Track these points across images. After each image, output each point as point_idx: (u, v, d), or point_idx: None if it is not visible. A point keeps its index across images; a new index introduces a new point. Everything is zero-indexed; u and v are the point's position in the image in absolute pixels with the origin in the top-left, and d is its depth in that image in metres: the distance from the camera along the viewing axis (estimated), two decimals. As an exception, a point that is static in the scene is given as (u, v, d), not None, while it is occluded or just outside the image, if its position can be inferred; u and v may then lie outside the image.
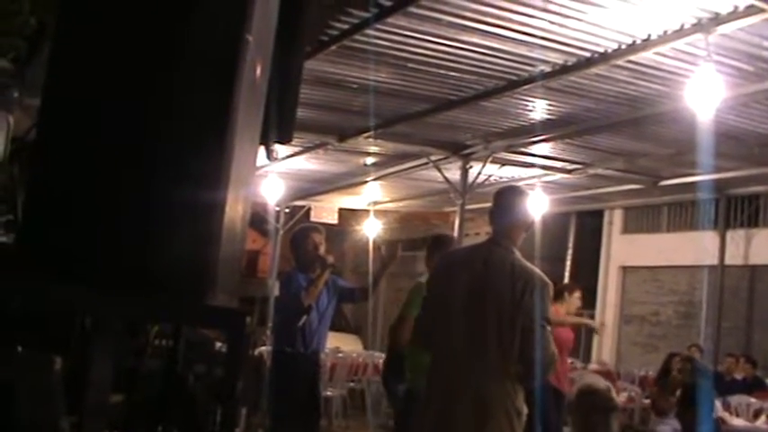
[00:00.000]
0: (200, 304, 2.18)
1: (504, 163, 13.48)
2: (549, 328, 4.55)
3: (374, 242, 19.08)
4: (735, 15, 6.92)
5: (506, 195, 4.94)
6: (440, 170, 13.69)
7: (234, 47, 2.25)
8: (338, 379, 13.13)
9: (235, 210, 2.34)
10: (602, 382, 5.65)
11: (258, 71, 2.45)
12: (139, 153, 2.20)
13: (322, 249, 7.37)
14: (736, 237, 15.85)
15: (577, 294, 9.46)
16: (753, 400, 11.05)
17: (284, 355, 7.20)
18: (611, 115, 10.44)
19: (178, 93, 2.22)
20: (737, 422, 9.81)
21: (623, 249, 18.83)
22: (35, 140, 2.37)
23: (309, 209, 19.76)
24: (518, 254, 4.71)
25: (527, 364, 4.47)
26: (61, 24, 2.37)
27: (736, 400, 10.94)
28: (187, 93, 2.22)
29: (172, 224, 2.17)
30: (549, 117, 10.80)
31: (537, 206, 13.48)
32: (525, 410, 4.60)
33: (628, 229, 18.90)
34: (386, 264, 7.96)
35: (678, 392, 7.48)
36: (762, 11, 6.72)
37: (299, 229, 7.92)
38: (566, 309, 9.09)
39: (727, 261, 15.65)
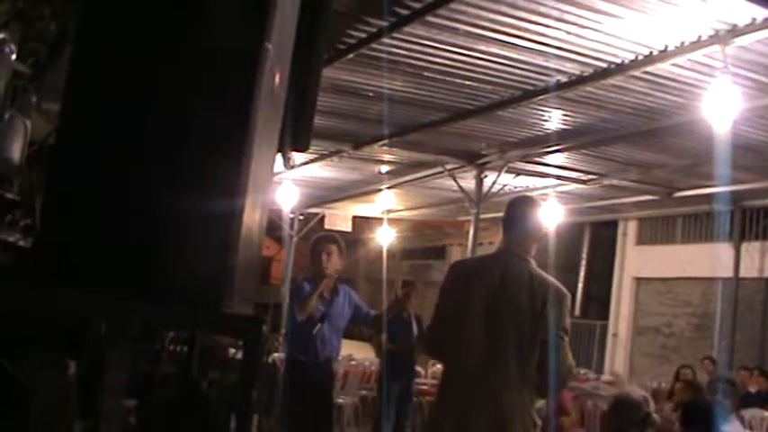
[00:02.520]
0: (216, 312, 2.18)
1: (519, 172, 13.47)
2: (566, 339, 4.54)
3: (388, 251, 19.10)
4: (752, 27, 6.90)
5: (520, 205, 4.93)
6: (455, 179, 13.70)
7: (253, 55, 2.25)
8: (350, 386, 13.13)
9: (252, 217, 2.34)
10: (638, 393, 5.59)
11: (277, 79, 2.46)
12: (158, 160, 2.21)
13: (334, 259, 7.36)
14: (751, 249, 15.78)
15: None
16: (767, 413, 10.98)
17: (297, 362, 7.23)
18: (627, 126, 10.41)
19: (197, 100, 2.23)
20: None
21: (637, 260, 18.78)
22: (54, 145, 2.38)
23: (323, 216, 19.80)
24: (534, 264, 4.70)
25: (546, 375, 4.46)
26: (82, 30, 2.38)
27: (750, 413, 10.87)
28: (206, 101, 2.23)
29: (190, 231, 2.18)
30: (564, 127, 10.79)
31: (551, 216, 13.53)
32: (539, 423, 4.59)
33: (642, 240, 18.86)
34: (396, 304, 8.07)
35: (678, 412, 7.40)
36: (780, 23, 6.72)
37: (314, 237, 7.95)
38: None
39: (742, 273, 15.57)
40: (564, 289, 4.64)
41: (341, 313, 7.45)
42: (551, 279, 4.67)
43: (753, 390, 12.35)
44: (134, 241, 2.18)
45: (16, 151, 3.16)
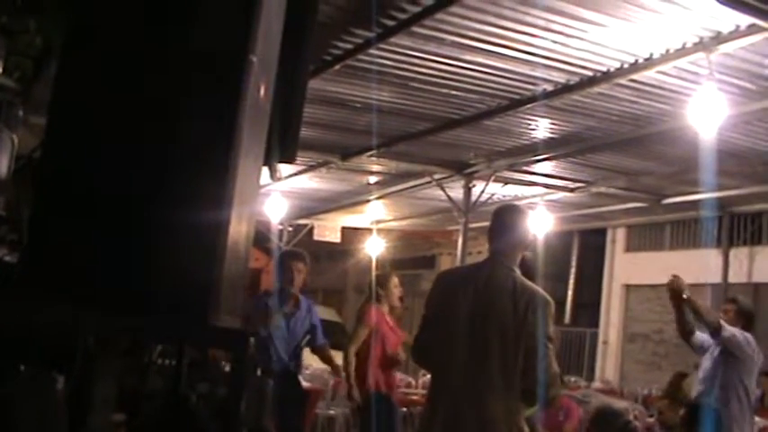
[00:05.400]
0: (202, 324, 2.18)
1: (506, 181, 13.49)
2: (551, 346, 4.55)
3: (377, 262, 19.06)
4: (736, 34, 6.94)
5: (506, 214, 4.95)
6: (443, 189, 13.71)
7: (238, 68, 2.26)
8: (341, 398, 13.09)
9: (238, 230, 2.34)
10: (618, 403, 5.67)
11: (262, 91, 2.46)
12: (144, 173, 2.21)
13: (302, 276, 7.65)
14: (739, 255, 15.81)
15: (395, 282, 8.36)
16: (758, 418, 10.98)
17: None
18: (614, 134, 10.45)
19: (182, 113, 2.23)
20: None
21: (626, 267, 18.78)
22: (40, 159, 2.38)
23: (312, 227, 19.78)
24: (519, 272, 4.71)
25: (530, 382, 4.47)
26: (67, 45, 2.38)
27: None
28: (191, 113, 2.24)
29: (175, 244, 2.18)
30: (551, 136, 10.82)
31: (539, 224, 13.55)
32: (527, 430, 4.59)
33: (631, 247, 18.86)
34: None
35: (682, 410, 7.50)
36: (763, 30, 6.73)
37: (282, 252, 8.07)
38: (388, 305, 8.23)
39: (731, 279, 15.59)
40: (547, 296, 4.66)
41: (300, 327, 7.65)
42: (535, 286, 4.69)
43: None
44: (120, 255, 2.18)
45: (2, 166, 3.16)
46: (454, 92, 9.19)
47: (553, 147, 11.26)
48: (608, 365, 18.64)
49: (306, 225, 19.57)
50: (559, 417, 8.23)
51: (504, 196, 14.11)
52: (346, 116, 10.49)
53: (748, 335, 7.15)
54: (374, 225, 19.66)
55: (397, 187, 15.01)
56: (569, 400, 8.90)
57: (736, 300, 7.68)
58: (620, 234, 18.96)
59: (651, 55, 7.66)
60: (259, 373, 7.18)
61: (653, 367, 17.62)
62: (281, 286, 7.60)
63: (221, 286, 2.21)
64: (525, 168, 12.77)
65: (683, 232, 17.44)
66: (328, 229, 20.24)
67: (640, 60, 7.80)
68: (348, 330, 19.31)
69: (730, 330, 7.02)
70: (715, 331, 7.00)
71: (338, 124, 10.86)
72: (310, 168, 13.65)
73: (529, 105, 9.32)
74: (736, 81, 8.00)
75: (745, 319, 7.33)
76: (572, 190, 14.02)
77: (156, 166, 2.21)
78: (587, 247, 20.63)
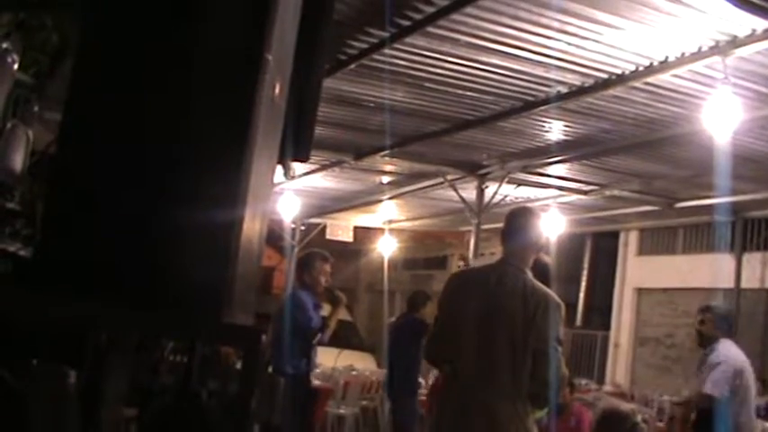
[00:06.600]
0: (215, 321, 2.18)
1: (519, 183, 13.49)
2: (560, 349, 4.54)
3: (389, 262, 19.10)
4: (752, 38, 6.92)
5: (518, 216, 4.97)
6: (455, 190, 13.71)
7: (253, 66, 2.26)
8: (351, 397, 13.12)
9: (252, 228, 2.34)
10: (625, 405, 5.66)
11: (277, 90, 2.47)
12: (159, 170, 2.21)
13: (326, 278, 7.68)
14: (752, 260, 15.74)
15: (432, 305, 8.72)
16: (767, 423, 10.92)
17: (300, 374, 7.38)
18: (628, 137, 10.43)
19: (197, 111, 2.23)
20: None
21: (638, 271, 18.74)
22: (55, 155, 2.39)
23: (325, 226, 19.82)
24: (530, 274, 4.72)
25: (539, 384, 4.47)
26: (83, 41, 2.39)
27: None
28: (206, 112, 2.24)
29: (189, 241, 2.18)
30: (565, 138, 10.80)
31: (552, 227, 13.53)
32: (535, 431, 4.60)
33: (643, 250, 18.82)
34: None
35: (693, 414, 7.48)
36: (780, 34, 6.73)
37: (309, 254, 8.05)
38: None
39: (744, 284, 15.53)
40: (558, 299, 4.66)
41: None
42: (546, 289, 4.70)
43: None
44: (134, 251, 2.19)
45: (18, 161, 3.17)
46: (468, 93, 9.19)
47: (567, 149, 11.25)
48: (619, 368, 18.61)
49: (318, 224, 19.61)
50: (571, 423, 8.20)
51: (516, 198, 14.11)
52: (360, 116, 10.50)
53: (724, 349, 6.98)
54: (386, 225, 19.69)
55: (410, 187, 15.03)
56: (581, 405, 8.85)
57: (709, 307, 7.48)
58: (633, 237, 18.92)
59: (666, 58, 7.64)
60: (271, 369, 7.22)
61: (664, 371, 17.58)
62: (311, 287, 7.61)
63: (234, 283, 2.22)
64: (538, 170, 12.76)
65: (696, 236, 17.39)
66: (341, 229, 20.28)
67: (655, 63, 7.79)
68: (361, 332, 19.38)
69: (710, 386, 6.78)
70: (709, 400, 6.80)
71: (352, 124, 10.88)
72: (323, 167, 13.67)
73: (543, 107, 9.31)
74: (751, 85, 7.97)
75: (727, 323, 7.18)
76: (585, 192, 14.00)
77: (171, 164, 2.21)
78: (600, 250, 20.62)
